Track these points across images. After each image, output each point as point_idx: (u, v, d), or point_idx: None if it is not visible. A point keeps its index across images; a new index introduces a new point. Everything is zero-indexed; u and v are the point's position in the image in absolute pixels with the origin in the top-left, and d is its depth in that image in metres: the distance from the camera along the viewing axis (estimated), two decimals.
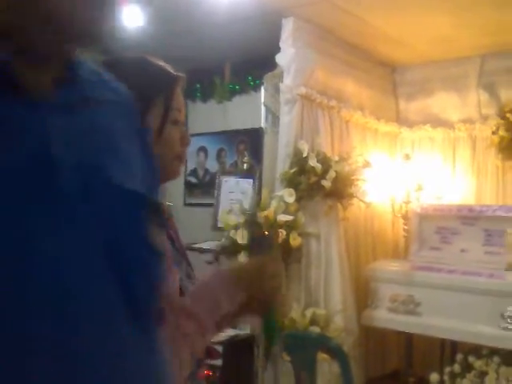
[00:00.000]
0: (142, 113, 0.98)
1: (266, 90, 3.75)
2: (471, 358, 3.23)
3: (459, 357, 3.32)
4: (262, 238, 1.09)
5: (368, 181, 3.75)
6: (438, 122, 4.43)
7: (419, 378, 3.93)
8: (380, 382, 4.08)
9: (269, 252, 1.04)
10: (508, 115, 3.97)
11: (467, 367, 3.23)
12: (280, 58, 3.60)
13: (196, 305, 0.98)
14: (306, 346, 2.59)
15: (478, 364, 3.17)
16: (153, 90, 1.02)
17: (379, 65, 4.45)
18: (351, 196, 3.62)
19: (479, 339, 3.22)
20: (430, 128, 4.45)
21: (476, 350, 3.27)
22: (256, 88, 4.40)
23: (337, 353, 2.61)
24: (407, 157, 4.18)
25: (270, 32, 3.58)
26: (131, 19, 3.73)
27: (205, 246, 3.36)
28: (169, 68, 1.07)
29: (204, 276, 1.04)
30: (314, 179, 3.42)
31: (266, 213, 3.30)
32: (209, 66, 4.70)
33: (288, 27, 3.57)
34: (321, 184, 3.42)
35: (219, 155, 4.85)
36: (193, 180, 4.86)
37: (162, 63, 1.07)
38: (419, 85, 4.53)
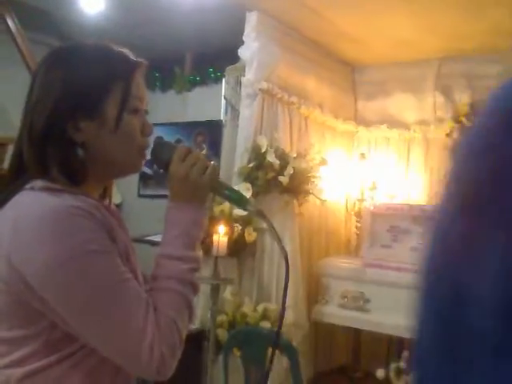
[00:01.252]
0: (98, 101, 0.96)
1: (227, 82, 3.73)
2: None
3: (405, 354, 3.40)
4: (160, 149, 1.06)
5: (324, 178, 3.79)
6: (394, 123, 4.51)
7: (366, 374, 4.02)
8: (327, 376, 4.15)
9: (171, 154, 1.03)
10: (462, 119, 4.08)
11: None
12: (243, 52, 3.58)
13: (171, 249, 1.00)
14: (256, 342, 2.60)
15: None
16: (110, 76, 0.98)
17: (340, 63, 4.49)
18: (307, 192, 3.65)
19: None
20: (387, 128, 4.52)
21: None
22: (217, 80, 4.38)
23: (286, 348, 2.63)
24: (363, 156, 4.24)
25: (233, 25, 3.56)
26: (91, 4, 3.63)
27: (157, 238, 3.31)
28: (129, 55, 1.03)
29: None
30: (271, 175, 3.43)
31: (221, 207, 3.29)
32: (170, 55, 4.64)
33: (252, 21, 3.55)
34: (278, 180, 3.43)
35: None
36: (148, 171, 4.80)
37: (122, 50, 1.03)
38: (378, 85, 4.60)
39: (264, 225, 3.44)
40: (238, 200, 1.07)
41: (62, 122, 0.95)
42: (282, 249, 1.07)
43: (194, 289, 1.00)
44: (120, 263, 0.92)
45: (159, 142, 1.08)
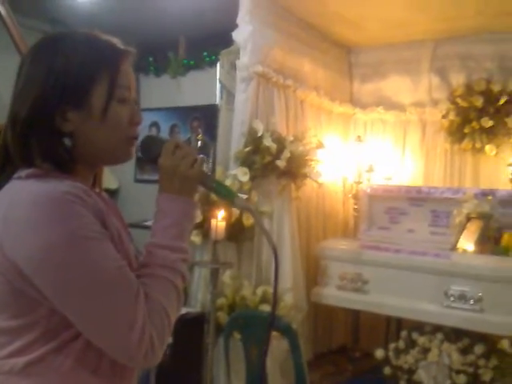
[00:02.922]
0: (85, 90, 0.95)
1: (221, 66, 3.70)
2: (415, 335, 3.34)
3: (403, 333, 3.43)
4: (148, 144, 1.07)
5: (321, 161, 3.79)
6: (390, 105, 4.50)
7: (365, 354, 4.05)
8: (327, 357, 4.19)
9: (160, 147, 1.04)
10: (458, 100, 4.08)
11: (411, 343, 3.35)
12: (237, 35, 3.55)
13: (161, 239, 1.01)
14: (256, 325, 2.62)
15: (422, 340, 3.29)
16: (96, 66, 0.97)
17: (335, 46, 4.47)
18: (304, 176, 3.65)
19: (423, 316, 3.34)
20: (383, 110, 4.52)
21: (420, 327, 3.39)
22: (211, 64, 4.35)
23: (287, 331, 2.65)
24: (359, 139, 4.24)
25: (227, 8, 3.53)
26: None
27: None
28: (116, 43, 1.01)
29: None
30: (268, 159, 3.42)
31: None
32: (163, 39, 4.60)
33: (246, 4, 3.52)
34: (275, 164, 3.43)
35: (172, 131, 4.78)
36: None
37: (109, 38, 1.02)
38: (373, 67, 4.58)
39: (263, 208, 3.45)
40: (225, 194, 1.08)
41: (48, 112, 0.94)
42: (271, 242, 1.09)
43: (183, 279, 1.01)
44: (112, 249, 0.92)
45: (148, 137, 1.09)
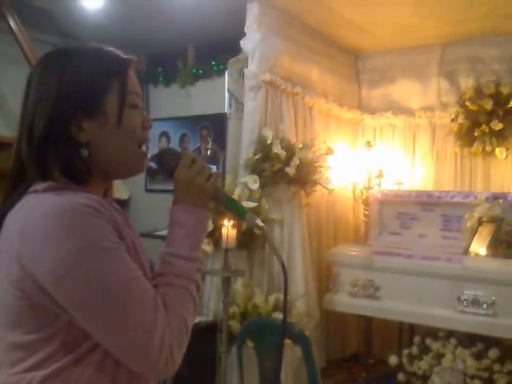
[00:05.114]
0: (98, 99, 0.98)
1: (229, 75, 3.71)
2: (428, 341, 3.32)
3: (417, 339, 3.42)
4: (165, 156, 1.09)
5: (331, 167, 3.79)
6: (399, 110, 4.50)
7: (378, 360, 4.03)
8: (340, 364, 4.17)
9: (177, 161, 1.06)
10: (467, 103, 4.06)
11: (425, 349, 3.33)
12: (245, 43, 3.57)
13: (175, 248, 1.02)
14: (269, 333, 2.61)
15: (436, 346, 3.27)
16: (106, 75, 0.99)
17: (343, 52, 4.48)
18: (314, 183, 3.65)
19: (436, 322, 3.32)
20: (392, 115, 4.51)
21: (433, 333, 3.37)
22: (220, 73, 4.35)
23: (299, 338, 2.64)
24: (369, 144, 4.24)
25: (234, 16, 3.55)
26: (91, 0, 3.63)
27: (166, 233, 3.33)
28: (120, 53, 1.05)
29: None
30: (278, 166, 3.43)
31: None
32: (171, 49, 4.63)
33: (253, 12, 3.54)
34: (285, 171, 3.44)
35: (182, 141, 4.80)
36: (153, 165, 4.77)
37: (112, 48, 1.04)
38: (381, 72, 4.58)
39: (273, 215, 3.46)
40: (237, 211, 1.11)
41: (64, 123, 0.95)
42: (280, 258, 1.10)
43: (198, 288, 1.03)
44: (129, 259, 0.93)
45: (165, 149, 1.12)
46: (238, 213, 1.10)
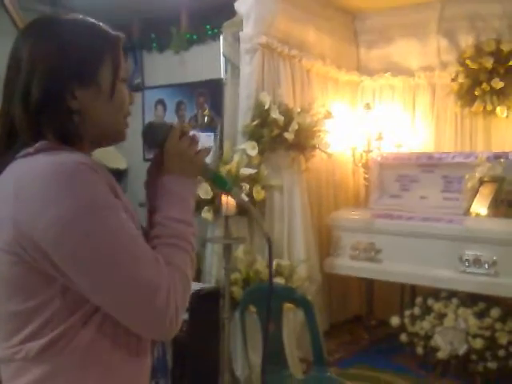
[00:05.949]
0: (93, 70, 0.99)
1: (224, 39, 3.63)
2: (430, 301, 3.35)
3: (419, 300, 3.44)
4: (157, 128, 1.11)
5: (330, 131, 3.74)
6: (398, 70, 4.42)
7: (380, 322, 4.07)
8: (343, 326, 4.21)
9: (166, 133, 1.07)
10: (467, 62, 3.99)
11: (427, 310, 3.35)
12: (239, 6, 3.49)
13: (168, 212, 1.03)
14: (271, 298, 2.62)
15: (437, 306, 3.29)
16: (102, 46, 1.01)
17: (340, 12, 4.38)
18: (313, 147, 3.61)
19: (438, 283, 3.34)
20: (391, 76, 4.44)
21: (435, 294, 3.39)
22: (214, 37, 4.26)
23: (302, 303, 2.65)
24: (368, 106, 4.18)
25: None
26: None
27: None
28: (109, 28, 1.06)
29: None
30: (276, 131, 3.39)
31: (228, 167, 3.28)
32: (165, 14, 4.52)
33: None
34: (283, 136, 3.40)
35: (178, 108, 4.74)
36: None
37: (102, 24, 1.06)
38: (379, 32, 4.49)
39: (273, 181, 3.44)
40: (222, 186, 1.14)
41: (60, 91, 0.96)
42: (264, 231, 1.17)
43: (194, 251, 1.04)
44: (127, 218, 0.93)
45: (151, 123, 1.13)
46: (223, 187, 1.13)
